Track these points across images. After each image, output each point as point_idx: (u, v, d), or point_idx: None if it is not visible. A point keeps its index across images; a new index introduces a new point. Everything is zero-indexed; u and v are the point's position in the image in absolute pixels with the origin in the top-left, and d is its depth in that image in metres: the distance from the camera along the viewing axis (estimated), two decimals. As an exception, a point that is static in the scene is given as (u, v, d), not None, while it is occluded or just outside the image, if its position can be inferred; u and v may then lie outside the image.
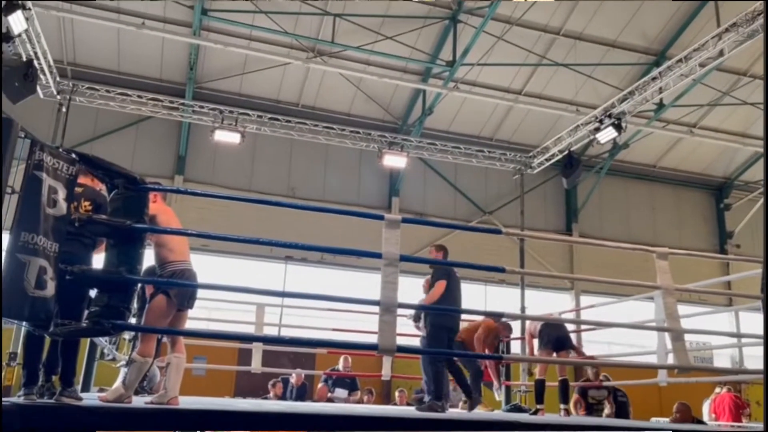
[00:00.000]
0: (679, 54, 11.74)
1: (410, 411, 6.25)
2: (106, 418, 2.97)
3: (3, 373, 8.88)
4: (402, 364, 10.06)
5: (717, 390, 10.92)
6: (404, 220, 4.22)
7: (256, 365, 8.19)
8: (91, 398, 4.80)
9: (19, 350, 10.28)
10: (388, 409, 7.15)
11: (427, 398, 6.81)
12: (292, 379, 10.26)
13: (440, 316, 6.07)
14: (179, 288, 4.21)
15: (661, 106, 14.02)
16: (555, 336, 6.85)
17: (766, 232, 4.82)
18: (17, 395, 3.66)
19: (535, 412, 6.76)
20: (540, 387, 6.92)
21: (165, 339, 4.48)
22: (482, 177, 16.78)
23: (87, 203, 4.02)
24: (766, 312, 4.05)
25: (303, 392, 10.26)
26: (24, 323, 3.40)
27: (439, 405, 5.77)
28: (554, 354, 6.87)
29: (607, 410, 8.03)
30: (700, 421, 8.79)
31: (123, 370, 7.64)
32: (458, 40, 13.45)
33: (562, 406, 6.82)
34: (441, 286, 5.99)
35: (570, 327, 10.74)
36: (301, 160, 15.65)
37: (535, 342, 7.24)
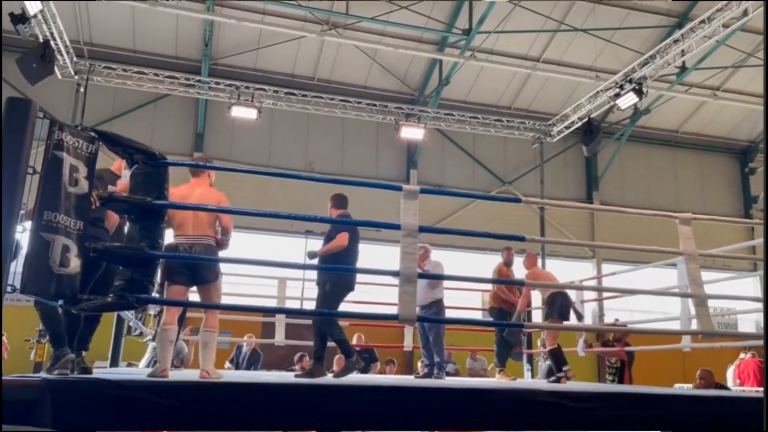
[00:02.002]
0: (702, 15, 11.45)
1: (428, 381, 6.30)
2: (134, 392, 3.03)
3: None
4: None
5: (742, 355, 10.86)
6: (422, 191, 4.19)
7: (279, 338, 8.30)
8: (120, 372, 4.90)
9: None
10: (401, 378, 7.23)
11: (436, 371, 6.87)
12: (245, 347, 10.13)
13: (341, 274, 5.50)
14: (167, 262, 4.41)
15: (683, 69, 13.73)
16: (568, 305, 6.86)
17: (766, 220, 4.73)
18: (46, 370, 3.74)
19: (558, 380, 6.78)
20: (557, 355, 6.93)
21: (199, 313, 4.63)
22: (501, 147, 16.64)
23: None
24: (766, 299, 3.99)
25: (255, 359, 10.24)
26: (54, 301, 3.46)
27: (321, 368, 5.28)
28: (563, 323, 6.90)
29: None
30: (725, 387, 8.76)
31: (151, 345, 7.83)
32: (474, 7, 13.23)
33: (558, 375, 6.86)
34: (343, 237, 5.45)
35: (593, 294, 10.75)
36: (319, 135, 15.63)
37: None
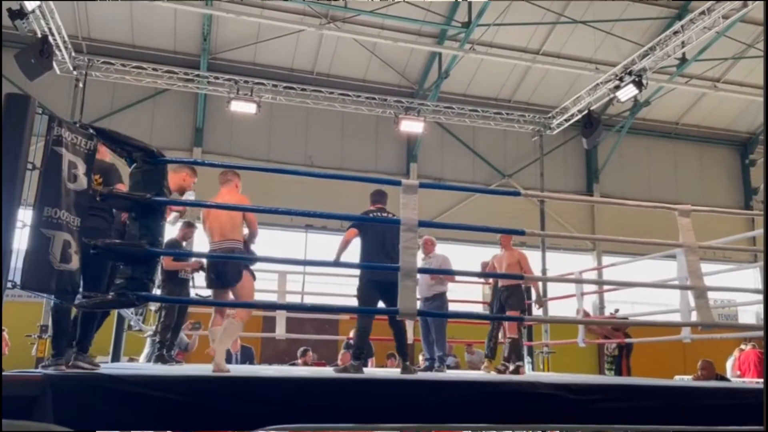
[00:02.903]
0: (702, 6, 11.40)
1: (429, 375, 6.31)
2: (134, 386, 3.04)
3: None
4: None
5: (742, 346, 10.88)
6: (422, 185, 4.19)
7: (280, 332, 8.32)
8: (121, 367, 4.91)
9: (50, 323, 10.56)
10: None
11: (437, 364, 6.85)
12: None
13: (365, 269, 5.52)
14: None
15: (683, 61, 13.68)
16: (524, 297, 6.80)
17: (766, 213, 4.73)
18: (46, 365, 3.75)
19: (517, 370, 6.69)
20: (518, 345, 6.84)
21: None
22: (501, 140, 16.62)
23: (97, 176, 4.06)
24: (766, 290, 3.99)
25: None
26: (51, 296, 3.47)
27: (356, 365, 5.18)
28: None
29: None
30: (725, 378, 8.78)
31: (149, 340, 7.84)
32: (473, 0, 13.19)
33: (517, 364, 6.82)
34: (348, 233, 5.50)
35: (593, 287, 10.78)
36: (318, 129, 15.61)
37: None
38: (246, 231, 5.06)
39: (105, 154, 4.13)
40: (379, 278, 5.34)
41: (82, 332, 3.87)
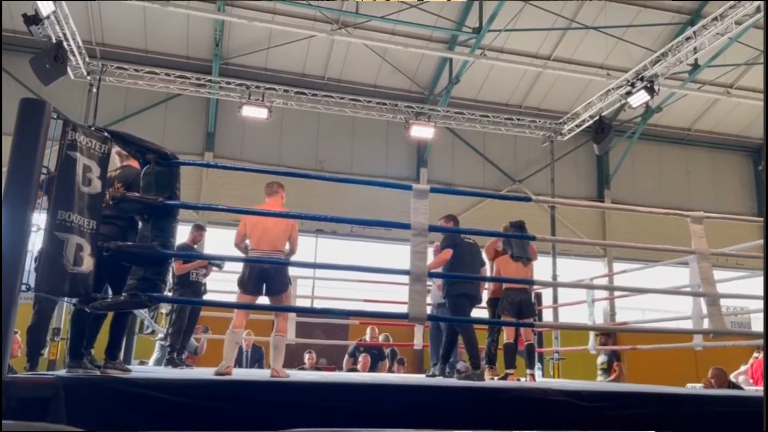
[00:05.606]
0: (715, 12, 11.35)
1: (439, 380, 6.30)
2: (145, 388, 3.05)
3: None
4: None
5: (755, 355, 10.77)
6: (432, 190, 4.20)
7: (290, 336, 8.33)
8: (133, 370, 4.95)
9: (62, 325, 10.63)
10: (412, 377, 7.23)
11: (448, 369, 6.82)
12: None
13: (456, 284, 6.19)
14: (243, 274, 4.96)
15: (695, 66, 13.62)
16: (518, 300, 6.41)
17: (766, 218, 4.69)
18: (65, 369, 3.78)
19: (505, 377, 6.59)
20: (509, 351, 6.71)
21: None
22: (511, 145, 16.59)
23: (119, 185, 4.09)
24: (766, 297, 3.96)
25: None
26: (66, 299, 3.50)
27: (477, 374, 5.87)
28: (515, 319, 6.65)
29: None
30: (737, 386, 8.70)
31: (158, 344, 7.89)
32: (484, 5, 13.19)
33: (528, 371, 6.68)
34: (446, 254, 6.09)
35: (604, 293, 10.70)
36: (329, 134, 15.65)
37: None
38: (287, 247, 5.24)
39: (135, 162, 4.13)
40: (469, 291, 6.18)
41: (112, 339, 3.92)
